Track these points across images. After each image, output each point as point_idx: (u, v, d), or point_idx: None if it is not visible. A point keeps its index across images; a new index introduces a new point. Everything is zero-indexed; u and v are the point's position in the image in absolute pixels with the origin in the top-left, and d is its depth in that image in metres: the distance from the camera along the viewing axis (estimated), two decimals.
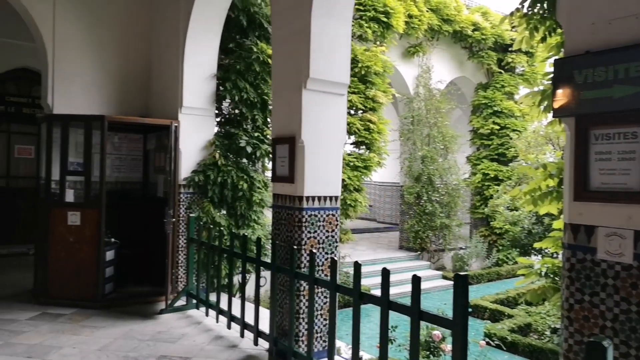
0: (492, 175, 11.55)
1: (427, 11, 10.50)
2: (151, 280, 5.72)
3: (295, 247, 3.68)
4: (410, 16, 10.00)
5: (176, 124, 5.43)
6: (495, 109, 11.63)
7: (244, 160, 6.03)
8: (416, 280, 2.61)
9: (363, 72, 8.32)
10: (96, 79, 5.89)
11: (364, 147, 8.80)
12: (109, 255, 5.22)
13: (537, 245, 3.84)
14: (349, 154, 8.57)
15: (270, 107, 6.15)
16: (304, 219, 3.82)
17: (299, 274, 3.60)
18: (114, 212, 5.34)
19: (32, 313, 4.77)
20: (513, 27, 4.72)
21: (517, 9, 3.52)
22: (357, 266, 3.03)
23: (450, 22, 11.10)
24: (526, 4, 3.43)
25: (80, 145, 5.26)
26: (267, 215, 6.31)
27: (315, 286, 3.48)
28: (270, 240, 5.45)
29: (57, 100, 5.58)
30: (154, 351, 3.90)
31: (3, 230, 8.08)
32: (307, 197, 3.84)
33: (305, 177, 3.83)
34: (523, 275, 4.12)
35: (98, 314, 4.82)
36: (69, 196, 5.19)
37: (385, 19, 8.80)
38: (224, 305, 4.51)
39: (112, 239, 5.35)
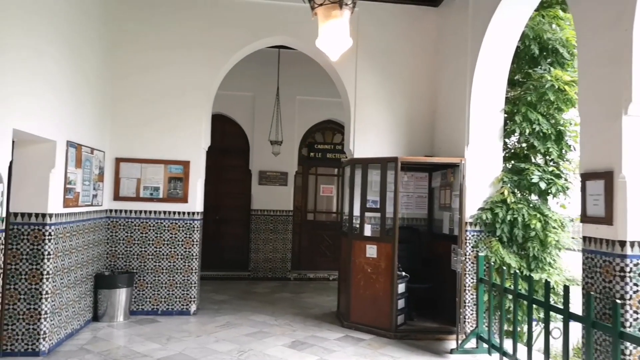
0: None
1: None
2: (435, 316, 5.76)
3: (618, 300, 3.11)
4: None
5: (464, 162, 5.44)
6: None
7: (535, 196, 5.57)
8: None
9: None
10: (387, 125, 6.48)
11: None
12: (401, 288, 5.50)
13: None
14: None
15: (567, 138, 5.59)
16: (627, 268, 3.21)
17: (625, 335, 3.00)
18: (402, 246, 5.64)
19: (338, 334, 5.39)
20: None
21: None
22: None
23: None
24: None
25: (375, 184, 5.81)
26: (564, 258, 5.63)
27: None
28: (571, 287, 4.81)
29: (357, 145, 6.36)
30: None
31: (311, 257, 9.59)
32: (632, 242, 3.21)
33: (629, 218, 3.23)
34: None
35: (392, 343, 5.10)
36: (367, 230, 5.75)
37: None
38: (521, 356, 4.14)
39: (403, 273, 5.63)
